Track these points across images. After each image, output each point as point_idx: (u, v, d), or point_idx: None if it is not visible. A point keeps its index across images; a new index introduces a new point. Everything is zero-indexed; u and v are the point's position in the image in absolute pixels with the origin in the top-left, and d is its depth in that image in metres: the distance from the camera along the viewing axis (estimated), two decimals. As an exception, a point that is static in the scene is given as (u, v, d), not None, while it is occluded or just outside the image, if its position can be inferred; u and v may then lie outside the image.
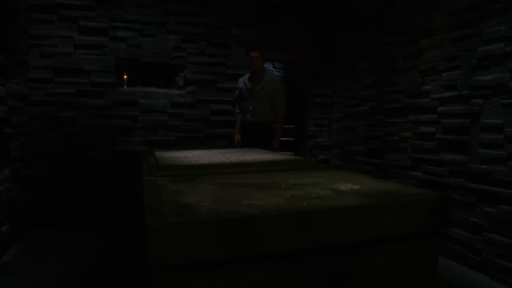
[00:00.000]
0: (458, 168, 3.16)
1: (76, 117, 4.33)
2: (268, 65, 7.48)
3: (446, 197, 1.41)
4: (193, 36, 4.70)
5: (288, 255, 1.14)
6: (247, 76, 4.56)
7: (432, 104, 3.45)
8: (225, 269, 1.08)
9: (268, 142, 4.40)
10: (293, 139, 6.01)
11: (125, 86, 4.69)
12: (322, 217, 1.15)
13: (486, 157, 2.89)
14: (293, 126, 6.06)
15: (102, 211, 4.33)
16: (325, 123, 5.26)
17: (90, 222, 4.21)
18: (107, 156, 4.47)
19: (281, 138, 4.58)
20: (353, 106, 4.73)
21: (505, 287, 2.70)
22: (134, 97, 4.58)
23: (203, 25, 4.74)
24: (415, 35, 3.67)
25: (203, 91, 4.83)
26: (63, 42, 4.23)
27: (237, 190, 1.50)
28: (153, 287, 1.02)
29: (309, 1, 5.13)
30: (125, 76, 4.75)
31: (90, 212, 4.30)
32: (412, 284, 1.38)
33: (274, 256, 1.12)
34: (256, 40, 4.91)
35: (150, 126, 4.64)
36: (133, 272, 2.96)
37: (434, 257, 1.41)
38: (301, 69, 5.66)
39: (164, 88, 4.88)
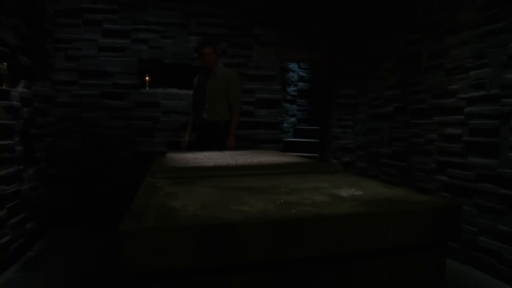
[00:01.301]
0: (486, 173, 2.97)
1: (99, 118, 4.42)
2: (293, 66, 7.39)
3: (454, 206, 1.29)
4: (214, 37, 4.69)
5: (271, 266, 1.07)
6: (201, 73, 4.23)
7: (459, 105, 3.26)
8: (202, 278, 1.02)
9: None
10: (317, 140, 5.89)
11: (147, 88, 4.74)
12: (308, 226, 1.07)
13: (516, 161, 2.69)
14: (318, 127, 5.94)
15: (124, 211, 4.38)
16: (350, 125, 5.11)
17: (111, 221, 4.27)
18: (128, 157, 4.53)
19: (235, 136, 4.09)
20: (377, 106, 4.57)
21: (536, 302, 2.50)
22: (155, 98, 4.62)
23: (224, 26, 4.72)
24: (441, 31, 3.49)
25: (225, 92, 4.80)
26: (87, 45, 4.33)
27: (232, 194, 1.45)
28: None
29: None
30: (147, 78, 4.80)
31: (111, 211, 4.37)
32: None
33: (255, 266, 1.05)
34: (277, 40, 4.85)
35: (171, 127, 4.67)
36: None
37: (439, 271, 1.29)
38: (324, 69, 5.54)
39: (185, 89, 4.89)
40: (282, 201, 1.31)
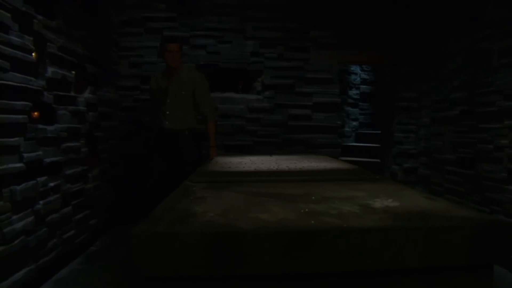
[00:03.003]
0: None
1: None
2: (355, 68, 7.16)
3: (500, 225, 1.14)
4: (270, 41, 4.69)
5: (281, 279, 1.02)
6: (159, 75, 3.79)
7: (534, 108, 2.93)
8: (209, 286, 1.01)
9: (194, 154, 3.66)
10: (378, 145, 5.64)
11: (205, 92, 4.85)
12: (323, 239, 1.01)
13: None
14: (379, 132, 5.70)
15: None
16: (412, 129, 4.83)
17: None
18: (187, 159, 4.66)
19: (216, 146, 3.76)
20: (442, 110, 4.26)
21: None
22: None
23: (281, 29, 4.70)
24: (514, 27, 3.17)
25: (281, 96, 4.78)
26: (149, 52, 4.55)
27: (259, 200, 1.42)
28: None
29: (393, -2, 4.78)
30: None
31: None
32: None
33: (264, 278, 1.01)
34: (335, 42, 4.73)
35: (228, 131, 4.73)
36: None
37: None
38: (386, 71, 5.30)
39: (242, 93, 4.94)
40: (306, 210, 1.26)
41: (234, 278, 1.00)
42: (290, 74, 4.77)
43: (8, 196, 2.38)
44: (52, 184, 2.92)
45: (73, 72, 3.35)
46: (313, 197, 1.48)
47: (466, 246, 1.10)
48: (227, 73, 4.86)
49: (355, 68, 7.17)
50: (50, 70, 2.92)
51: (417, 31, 4.71)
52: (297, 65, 4.77)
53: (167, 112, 3.61)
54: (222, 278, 1.00)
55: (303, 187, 1.71)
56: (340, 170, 2.12)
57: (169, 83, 3.61)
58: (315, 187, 1.71)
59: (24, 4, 2.56)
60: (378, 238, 1.05)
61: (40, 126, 2.79)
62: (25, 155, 2.55)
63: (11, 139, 2.41)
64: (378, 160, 5.47)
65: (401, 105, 4.90)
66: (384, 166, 5.21)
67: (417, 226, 1.08)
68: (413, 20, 4.74)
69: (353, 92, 7.20)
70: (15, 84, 2.44)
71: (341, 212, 1.23)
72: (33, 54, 2.71)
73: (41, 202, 2.76)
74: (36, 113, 2.81)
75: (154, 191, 3.61)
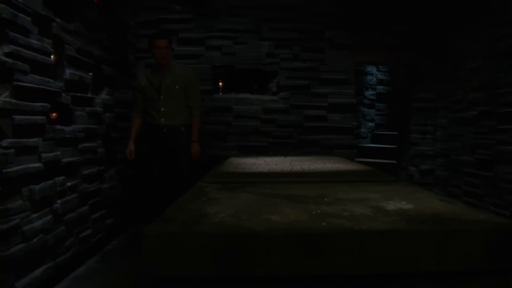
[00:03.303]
0: None
1: (175, 123, 4.64)
2: (371, 68, 7.09)
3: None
4: (285, 41, 4.69)
5: (290, 280, 1.02)
6: (148, 71, 3.65)
7: (556, 108, 2.86)
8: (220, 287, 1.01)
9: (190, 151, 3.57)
10: (395, 146, 5.57)
11: (220, 93, 4.88)
12: (332, 241, 1.00)
13: None
14: (396, 133, 5.63)
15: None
16: (429, 130, 4.75)
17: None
18: (202, 160, 4.67)
19: (199, 142, 3.64)
20: (460, 110, 4.18)
21: None
22: (228, 103, 4.74)
23: (296, 30, 4.69)
24: (535, 26, 3.09)
25: (296, 97, 4.77)
26: (165, 54, 4.58)
27: (271, 201, 1.42)
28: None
29: (410, -2, 4.71)
30: (220, 83, 4.95)
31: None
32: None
33: (274, 279, 1.01)
34: (351, 42, 4.69)
35: (243, 132, 4.74)
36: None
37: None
38: (402, 72, 5.23)
39: (257, 94, 4.95)
40: (318, 211, 1.25)
41: (245, 279, 1.01)
42: (306, 75, 4.76)
43: (27, 195, 2.44)
44: (69, 184, 2.97)
45: (90, 73, 3.40)
46: (326, 199, 1.47)
47: (483, 250, 1.07)
48: (242, 74, 4.87)
49: (371, 69, 7.10)
50: (68, 72, 2.98)
51: (434, 31, 4.64)
52: (312, 66, 4.75)
53: (162, 109, 3.48)
54: (232, 279, 1.00)
55: (316, 189, 1.70)
56: (354, 172, 2.10)
57: (162, 78, 3.48)
58: (328, 189, 1.70)
59: (44, 8, 2.62)
60: (390, 241, 1.03)
61: (58, 127, 2.84)
62: (43, 155, 2.60)
63: (30, 140, 2.47)
64: (394, 162, 5.40)
65: (418, 106, 4.83)
66: (401, 168, 5.14)
67: (431, 229, 1.06)
68: (430, 19, 4.67)
69: (369, 93, 7.13)
70: (34, 86, 2.50)
71: (353, 214, 1.22)
72: (52, 56, 2.76)
73: (59, 201, 2.82)
74: (54, 114, 2.87)
75: (154, 190, 3.63)
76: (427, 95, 4.75)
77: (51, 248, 2.70)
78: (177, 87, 3.48)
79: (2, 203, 2.22)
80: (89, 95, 3.39)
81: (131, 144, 3.55)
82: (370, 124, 7.20)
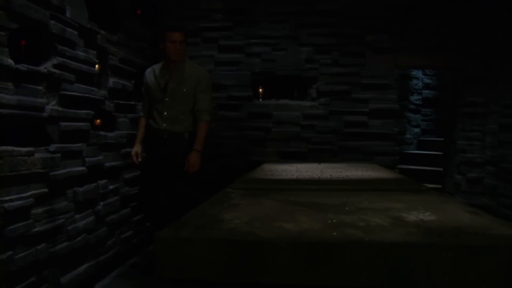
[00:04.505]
0: None
1: (215, 129, 4.74)
2: (417, 72, 6.85)
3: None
4: (325, 47, 4.65)
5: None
6: (158, 67, 3.22)
7: None
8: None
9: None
10: (441, 153, 5.34)
11: (260, 99, 4.93)
12: (340, 252, 0.99)
13: None
14: (443, 139, 5.40)
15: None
16: (477, 136, 4.51)
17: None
18: (241, 165, 4.74)
19: (202, 151, 3.17)
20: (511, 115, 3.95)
21: None
22: (268, 109, 4.78)
23: (336, 35, 4.64)
24: None
25: (336, 103, 4.72)
26: (206, 61, 4.70)
27: (290, 209, 1.43)
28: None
29: (455, -2, 4.51)
30: (260, 90, 5.00)
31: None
32: None
33: None
34: (392, 46, 4.57)
35: (283, 138, 4.75)
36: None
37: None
38: (448, 75, 5.01)
39: (297, 100, 4.94)
40: (334, 221, 1.24)
41: (251, 286, 1.02)
42: (346, 80, 4.69)
43: (71, 197, 2.61)
44: (111, 187, 3.14)
45: (133, 81, 3.57)
46: (347, 208, 1.46)
47: (504, 269, 1.01)
48: (282, 80, 4.89)
49: (417, 73, 6.86)
50: (112, 81, 3.15)
51: (483, 30, 4.41)
52: (352, 71, 4.68)
53: (165, 113, 3.11)
54: (240, 285, 1.02)
55: (340, 197, 1.68)
56: (383, 180, 2.05)
57: (170, 78, 3.12)
58: (353, 197, 1.68)
59: (89, 22, 2.80)
60: (401, 254, 1.00)
61: (102, 132, 3.01)
62: (87, 159, 2.77)
63: (75, 145, 2.64)
64: (440, 169, 5.18)
65: (465, 111, 4.60)
66: (446, 176, 4.92)
67: (445, 243, 1.02)
68: (478, 18, 4.44)
69: (414, 98, 6.89)
70: (79, 94, 2.67)
71: (369, 224, 1.21)
72: (96, 66, 2.94)
73: (101, 203, 2.98)
74: (98, 121, 3.05)
75: (148, 198, 3.31)
76: (475, 99, 4.52)
77: (93, 247, 2.87)
78: (184, 89, 3.10)
79: (49, 203, 2.39)
80: (132, 102, 3.55)
81: (137, 146, 3.20)
82: (416, 130, 6.95)
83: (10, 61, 2.04)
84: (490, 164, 4.35)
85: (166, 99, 3.10)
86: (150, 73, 3.20)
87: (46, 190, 2.34)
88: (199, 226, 1.13)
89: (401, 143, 6.35)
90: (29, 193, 2.20)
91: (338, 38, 4.64)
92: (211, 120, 3.22)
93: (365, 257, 1.00)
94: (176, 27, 3.08)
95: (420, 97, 6.95)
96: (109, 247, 3.11)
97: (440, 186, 4.97)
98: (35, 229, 2.25)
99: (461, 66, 4.56)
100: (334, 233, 1.09)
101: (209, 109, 3.18)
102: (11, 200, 2.06)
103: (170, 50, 3.02)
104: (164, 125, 3.10)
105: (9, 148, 2.06)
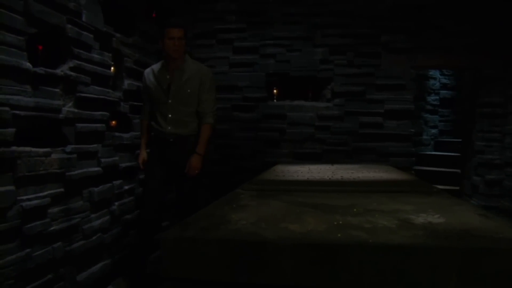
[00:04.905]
0: None
1: (230, 130, 4.78)
2: (434, 72, 6.74)
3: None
4: (340, 47, 4.63)
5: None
6: (157, 67, 3.07)
7: None
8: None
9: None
10: (458, 154, 5.25)
11: (274, 100, 4.94)
12: (341, 253, 0.99)
13: None
14: (460, 140, 5.30)
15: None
16: (496, 137, 4.42)
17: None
18: (256, 167, 4.75)
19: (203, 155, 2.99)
20: (531, 116, 3.86)
21: None
22: (282, 110, 4.78)
23: (350, 36, 4.62)
24: None
25: (351, 103, 4.69)
26: (220, 62, 4.75)
27: (298, 210, 1.44)
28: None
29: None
30: (275, 91, 5.01)
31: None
32: None
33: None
34: (408, 46, 4.52)
35: (297, 139, 4.75)
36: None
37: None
38: (466, 75, 4.92)
39: (312, 101, 4.93)
40: (340, 222, 1.25)
41: (255, 286, 1.04)
42: (361, 81, 4.66)
43: (87, 197, 2.67)
44: (126, 187, 3.19)
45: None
46: (355, 209, 1.46)
47: (510, 273, 0.99)
48: (296, 81, 4.89)
49: (434, 73, 6.75)
50: (127, 83, 3.20)
51: (502, 29, 4.31)
52: (367, 72, 4.64)
53: (170, 115, 2.96)
54: (243, 285, 1.03)
55: (349, 198, 1.68)
56: (395, 182, 2.03)
57: (171, 79, 2.97)
58: (362, 199, 1.68)
59: (105, 25, 2.86)
60: (402, 257, 1.00)
61: (117, 133, 3.07)
62: (102, 160, 2.83)
63: (91, 146, 2.70)
64: (458, 171, 5.09)
65: (484, 111, 4.51)
66: (464, 177, 4.83)
67: (450, 246, 1.01)
68: (496, 17, 4.35)
69: (431, 98, 6.78)
70: (95, 96, 2.73)
71: (375, 226, 1.20)
72: (112, 68, 3.00)
73: (116, 203, 3.03)
74: (113, 122, 3.10)
75: (148, 203, 3.04)
76: (494, 99, 4.43)
77: (108, 246, 2.92)
78: (189, 90, 2.97)
79: (65, 203, 2.45)
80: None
81: (142, 152, 3.10)
82: (433, 130, 6.84)
83: (28, 65, 2.11)
84: (509, 165, 4.26)
85: (170, 101, 2.96)
86: (150, 74, 3.06)
87: (62, 190, 2.40)
88: (204, 227, 1.15)
89: (418, 144, 6.27)
90: (46, 193, 2.26)
91: (353, 39, 4.62)
92: (215, 122, 3.14)
93: (368, 259, 1.00)
94: (175, 23, 2.97)
95: (437, 97, 6.84)
96: (124, 246, 3.16)
97: (457, 188, 4.89)
98: (52, 228, 2.31)
99: (480, 66, 4.48)
100: (339, 235, 1.09)
101: (213, 111, 3.08)
102: (29, 200, 2.12)
103: (169, 47, 2.89)
104: (169, 128, 2.97)
105: (27, 149, 2.12)
